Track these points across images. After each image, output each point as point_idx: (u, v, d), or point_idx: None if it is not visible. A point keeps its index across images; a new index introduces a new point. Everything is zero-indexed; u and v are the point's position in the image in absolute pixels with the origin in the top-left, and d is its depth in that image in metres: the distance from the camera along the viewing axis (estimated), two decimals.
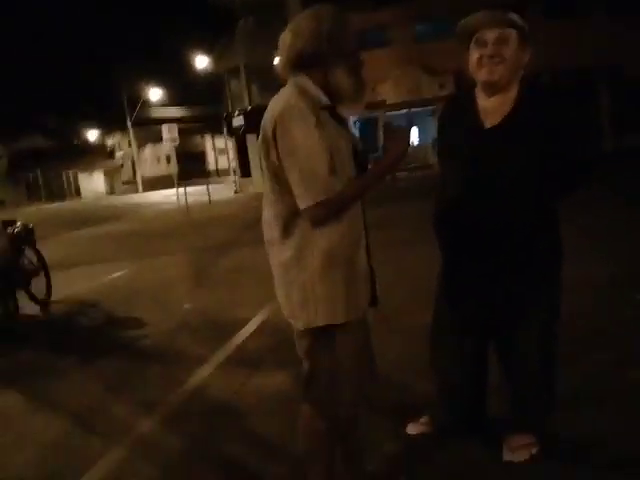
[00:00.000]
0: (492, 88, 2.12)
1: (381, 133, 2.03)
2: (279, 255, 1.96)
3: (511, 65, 2.07)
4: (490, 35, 2.06)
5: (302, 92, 1.88)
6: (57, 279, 7.05)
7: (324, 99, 1.91)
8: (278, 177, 1.89)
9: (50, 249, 10.38)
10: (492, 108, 2.14)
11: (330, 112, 1.93)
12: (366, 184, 1.96)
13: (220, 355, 4.22)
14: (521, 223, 2.12)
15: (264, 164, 1.93)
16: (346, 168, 1.93)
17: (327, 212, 1.85)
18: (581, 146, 2.14)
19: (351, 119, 25.34)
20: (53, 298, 6.61)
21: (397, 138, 1.96)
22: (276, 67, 2.01)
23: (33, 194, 37.44)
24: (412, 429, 2.67)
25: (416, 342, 3.62)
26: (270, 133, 1.85)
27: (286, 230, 1.92)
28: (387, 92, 24.06)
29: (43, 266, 6.67)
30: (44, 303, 6.48)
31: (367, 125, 26.03)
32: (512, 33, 2.06)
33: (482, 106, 2.18)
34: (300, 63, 1.92)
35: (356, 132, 25.92)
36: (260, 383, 3.63)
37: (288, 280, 1.95)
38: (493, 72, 2.07)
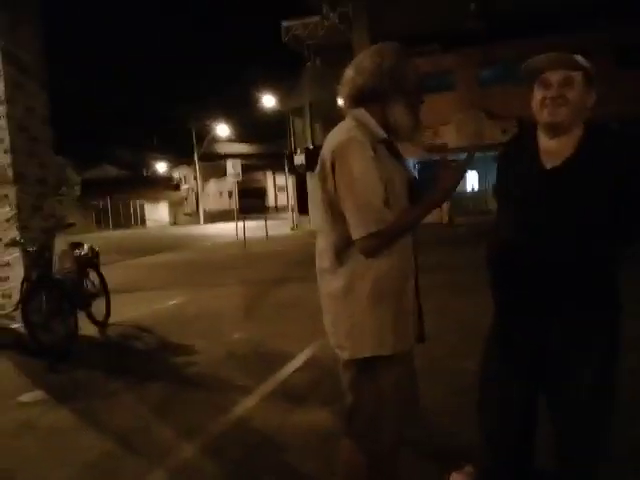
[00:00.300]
0: (554, 130, 2.09)
1: (416, 170, 2.04)
2: (329, 284, 1.99)
3: (574, 107, 2.03)
4: (555, 77, 2.04)
5: (361, 125, 1.93)
6: (116, 303, 7.29)
7: (382, 133, 1.96)
8: (333, 207, 1.92)
9: (112, 274, 10.77)
10: (554, 150, 2.10)
11: (387, 146, 1.97)
12: (416, 215, 1.97)
13: (265, 387, 4.23)
14: (578, 270, 2.05)
15: (320, 194, 1.97)
16: (400, 202, 1.96)
17: (379, 243, 1.87)
18: None
19: (411, 161, 25.44)
20: (111, 321, 6.83)
21: (450, 169, 1.98)
22: (338, 102, 2.07)
23: (101, 221, 39.17)
24: (456, 478, 2.58)
25: (463, 387, 3.55)
26: (329, 163, 1.90)
27: (338, 260, 1.94)
28: (449, 136, 24.05)
29: (104, 289, 6.92)
30: (102, 325, 6.70)
31: (427, 168, 26.04)
32: (577, 75, 2.03)
33: (543, 147, 2.14)
34: (360, 98, 1.98)
35: (415, 174, 25.94)
36: (302, 419, 3.61)
37: (337, 309, 1.97)
38: (556, 114, 2.04)
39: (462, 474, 2.58)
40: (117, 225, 39.05)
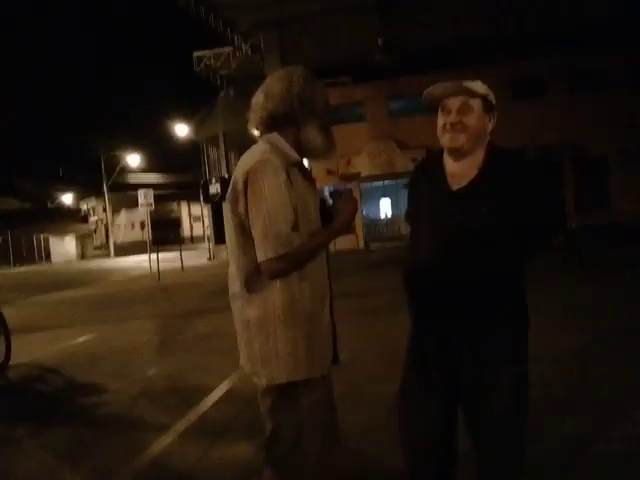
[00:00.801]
0: (456, 154, 2.18)
1: (328, 196, 2.14)
2: (242, 310, 1.96)
3: (474, 133, 2.13)
4: (453, 104, 2.14)
5: (274, 148, 1.94)
6: (19, 343, 6.82)
7: (296, 156, 1.97)
8: (244, 230, 1.91)
9: (15, 312, 10.11)
10: (459, 172, 2.19)
11: (300, 169, 1.99)
12: (321, 241, 2.01)
13: (183, 423, 4.06)
14: (487, 287, 2.12)
15: (231, 217, 1.95)
16: (312, 224, 1.97)
17: (285, 266, 1.87)
18: (547, 210, 2.17)
19: (326, 189, 25.88)
20: (12, 362, 6.35)
21: (346, 199, 2.08)
22: (248, 126, 2.07)
23: (1, 257, 36.66)
24: None
25: (384, 410, 3.58)
26: (241, 184, 1.88)
27: (249, 284, 1.92)
28: (362, 165, 24.74)
29: (4, 329, 6.43)
30: (2, 367, 6.21)
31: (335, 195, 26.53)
32: (475, 102, 2.13)
33: (449, 170, 2.22)
34: (272, 123, 1.99)
35: (329, 202, 26.40)
36: (223, 453, 3.49)
37: (250, 335, 1.94)
38: (455, 139, 2.13)
39: None
40: (19, 260, 36.67)
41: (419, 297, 2.27)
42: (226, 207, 1.97)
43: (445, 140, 2.17)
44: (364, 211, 25.94)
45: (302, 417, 1.93)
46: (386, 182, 24.52)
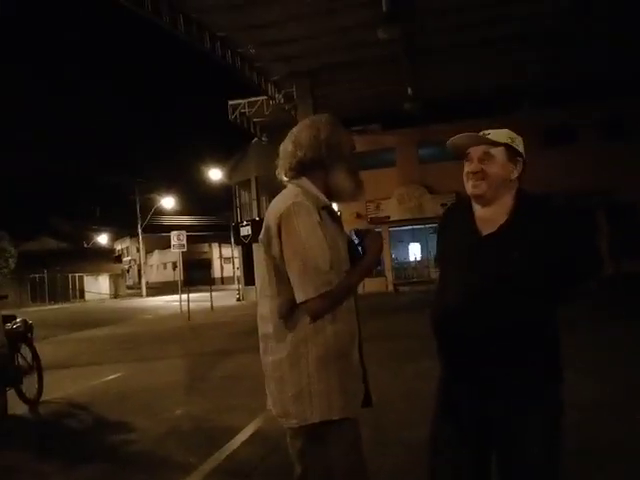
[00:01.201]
0: (479, 201, 2.21)
1: (354, 237, 2.19)
2: (274, 350, 1.97)
3: (495, 180, 2.16)
4: (475, 153, 2.19)
5: (305, 192, 2.01)
6: (51, 379, 6.93)
7: (324, 199, 2.05)
8: (278, 272, 1.95)
9: (47, 349, 10.29)
10: (488, 218, 2.20)
11: (329, 212, 2.05)
12: (356, 279, 2.09)
13: (209, 464, 4.05)
14: (517, 334, 2.09)
15: (264, 259, 2.00)
16: (342, 264, 2.02)
17: (327, 304, 1.91)
18: (578, 255, 2.13)
19: (353, 231, 25.94)
20: (44, 398, 6.45)
21: (372, 237, 2.18)
22: (278, 173, 2.15)
23: (37, 295, 37.40)
24: None
25: (414, 456, 3.51)
26: (274, 227, 1.94)
27: (283, 325, 1.94)
28: (391, 209, 24.84)
29: (37, 365, 6.56)
30: (34, 403, 6.31)
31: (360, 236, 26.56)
32: (497, 151, 2.17)
33: (478, 215, 2.24)
34: (301, 169, 2.07)
35: (356, 240, 26.42)
36: None
37: (282, 375, 1.94)
38: (477, 187, 2.17)
39: None
40: (54, 299, 37.41)
41: (448, 343, 2.24)
42: (258, 250, 2.04)
43: (468, 187, 2.21)
44: (393, 254, 25.88)
45: (333, 460, 1.92)
46: (415, 226, 24.51)
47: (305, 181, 2.06)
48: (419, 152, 24.51)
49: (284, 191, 2.08)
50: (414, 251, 26.61)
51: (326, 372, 1.91)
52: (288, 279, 1.92)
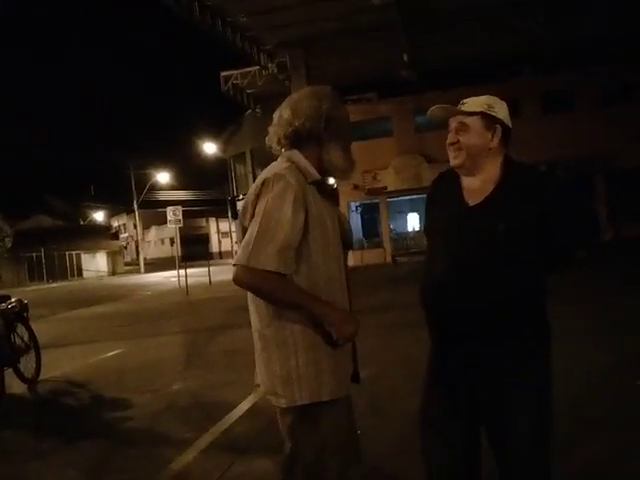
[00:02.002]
0: (460, 171, 2.19)
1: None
2: (259, 327, 1.92)
3: (472, 150, 2.12)
4: (452, 124, 2.17)
5: (293, 166, 1.91)
6: (49, 358, 6.93)
7: (315, 174, 1.94)
8: None
9: (45, 328, 10.30)
10: (475, 188, 2.16)
11: (319, 188, 1.95)
12: (297, 301, 1.84)
13: (206, 439, 4.05)
14: (505, 305, 2.06)
15: (240, 228, 1.95)
16: (330, 243, 1.93)
17: (250, 280, 1.81)
18: (566, 225, 2.11)
19: (353, 204, 25.85)
20: (42, 377, 6.45)
21: (350, 322, 1.89)
22: (268, 140, 2.05)
23: (35, 274, 37.40)
24: None
25: (410, 427, 3.49)
26: (253, 196, 1.87)
27: (263, 303, 1.89)
28: (388, 179, 24.69)
29: (34, 344, 6.54)
30: (32, 382, 6.31)
31: (368, 210, 26.53)
32: (472, 120, 2.13)
33: (465, 186, 2.20)
34: (296, 139, 1.97)
35: (357, 217, 26.37)
36: (244, 470, 3.46)
37: (270, 354, 1.89)
38: (455, 158, 2.16)
39: None
40: (52, 277, 37.44)
41: (436, 316, 2.23)
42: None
43: (450, 158, 2.20)
44: (391, 225, 25.85)
45: (323, 438, 1.88)
46: (413, 196, 24.40)
47: (296, 153, 1.95)
48: (416, 121, 24.22)
49: (273, 163, 1.99)
50: (412, 221, 26.59)
51: (315, 354, 1.85)
52: None
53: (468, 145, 2.12)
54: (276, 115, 2.02)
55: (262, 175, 1.92)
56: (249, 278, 1.80)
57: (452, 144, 2.15)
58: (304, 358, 1.85)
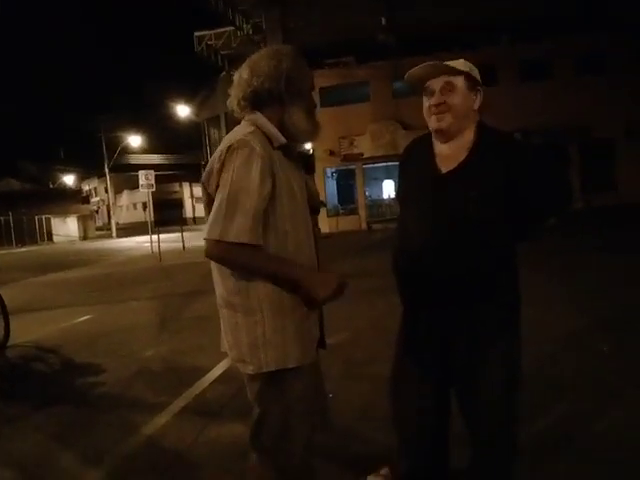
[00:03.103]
0: (443, 135, 2.14)
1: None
2: (224, 296, 1.90)
3: (459, 112, 2.08)
4: (436, 84, 2.10)
5: (257, 130, 1.85)
6: (18, 323, 6.82)
7: (281, 138, 1.88)
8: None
9: (14, 293, 10.12)
10: (448, 154, 2.14)
11: (284, 152, 1.90)
12: (271, 269, 1.82)
13: (178, 403, 4.04)
14: (475, 271, 2.07)
15: (205, 196, 1.90)
16: (298, 209, 1.90)
17: (222, 254, 1.79)
18: (536, 192, 2.10)
19: (328, 170, 25.72)
20: (11, 342, 6.35)
21: (328, 283, 1.86)
22: (229, 103, 1.97)
23: (2, 237, 36.64)
24: None
25: (382, 391, 3.54)
26: (217, 164, 1.81)
27: (226, 270, 1.86)
28: (365, 146, 24.57)
29: (2, 309, 6.41)
30: (0, 347, 6.21)
31: (344, 177, 26.44)
32: (458, 80, 2.09)
33: (438, 152, 2.18)
34: (256, 101, 1.89)
35: (333, 183, 26.27)
36: (217, 434, 3.47)
37: (236, 322, 1.87)
38: (441, 120, 2.10)
39: (379, 477, 2.55)
40: (21, 241, 36.71)
41: (408, 282, 2.24)
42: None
43: (431, 122, 2.14)
44: (367, 192, 25.83)
45: (290, 404, 1.88)
46: (389, 163, 24.36)
47: (260, 117, 1.88)
48: (393, 86, 24.00)
49: (236, 128, 1.92)
50: (388, 188, 26.61)
51: (281, 321, 1.84)
52: None
53: (456, 105, 2.08)
54: (236, 76, 1.95)
55: (225, 140, 1.85)
56: (223, 252, 1.77)
57: (437, 105, 2.09)
58: (271, 325, 1.83)
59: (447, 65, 2.09)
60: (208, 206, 1.85)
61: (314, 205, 2.05)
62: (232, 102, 1.95)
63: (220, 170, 1.79)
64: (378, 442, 3.01)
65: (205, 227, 1.78)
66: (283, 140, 1.88)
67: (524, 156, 2.12)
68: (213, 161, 1.84)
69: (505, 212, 2.06)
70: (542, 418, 3.20)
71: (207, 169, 1.87)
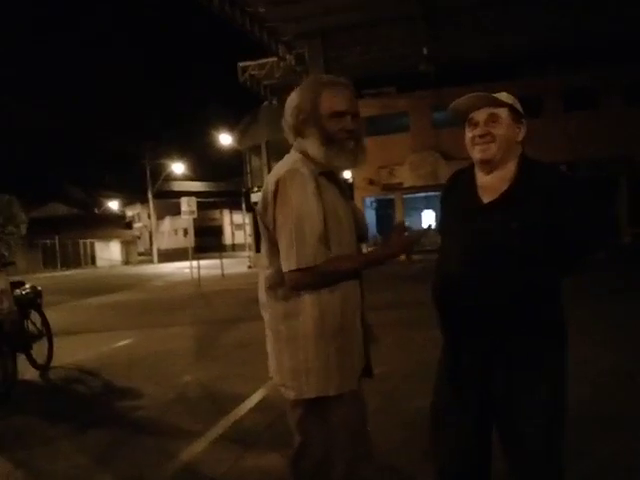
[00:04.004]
0: (487, 166, 2.14)
1: (395, 224, 2.07)
2: (271, 320, 1.92)
3: (503, 143, 2.09)
4: (480, 115, 2.11)
5: (304, 158, 1.90)
6: (61, 345, 6.96)
7: (320, 164, 1.92)
8: (271, 241, 1.89)
9: (58, 315, 10.37)
10: (490, 185, 2.14)
11: (328, 177, 1.93)
12: (354, 266, 1.94)
13: (215, 431, 4.03)
14: (516, 304, 2.03)
15: (261, 225, 1.94)
16: (343, 235, 1.91)
17: (309, 280, 1.82)
18: (582, 225, 2.05)
19: (368, 200, 25.74)
20: (54, 364, 6.48)
21: (403, 237, 2.01)
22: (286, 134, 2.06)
23: (48, 261, 37.77)
24: None
25: (420, 425, 3.46)
26: (271, 195, 1.85)
27: (274, 296, 1.89)
28: (404, 175, 24.54)
29: (47, 331, 6.57)
30: (44, 368, 6.34)
31: (383, 206, 26.42)
32: (502, 112, 2.10)
33: (480, 183, 2.18)
34: (295, 130, 1.98)
35: (372, 212, 26.25)
36: (252, 463, 3.43)
37: (280, 347, 1.89)
38: (485, 150, 2.10)
39: None
40: (66, 265, 37.79)
41: (448, 313, 2.20)
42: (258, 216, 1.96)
43: (475, 152, 2.14)
44: (406, 222, 25.62)
45: (331, 432, 1.86)
46: (429, 193, 24.24)
47: (304, 143, 1.95)
48: (434, 116, 24.01)
49: (285, 156, 1.98)
50: (428, 218, 26.45)
51: (324, 348, 1.84)
52: (278, 250, 1.85)
53: (500, 137, 2.08)
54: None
55: (275, 171, 1.90)
56: (307, 280, 1.82)
57: (482, 136, 2.10)
58: (313, 352, 1.83)
59: (492, 97, 2.10)
60: (263, 235, 1.94)
61: (361, 233, 2.05)
62: (285, 132, 2.05)
63: (274, 202, 1.84)
64: (416, 477, 2.92)
65: (283, 262, 1.83)
66: (324, 167, 1.91)
67: (567, 188, 2.09)
68: (266, 192, 1.89)
69: (547, 244, 2.02)
70: (591, 457, 3.07)
71: (261, 200, 1.92)
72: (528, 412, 2.06)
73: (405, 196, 25.32)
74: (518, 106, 2.14)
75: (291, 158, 1.93)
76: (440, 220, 2.40)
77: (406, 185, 24.53)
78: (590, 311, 7.19)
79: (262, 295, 1.95)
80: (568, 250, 2.06)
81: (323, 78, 2.00)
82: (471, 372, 2.15)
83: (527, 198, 2.04)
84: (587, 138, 21.19)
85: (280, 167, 1.90)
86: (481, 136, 2.10)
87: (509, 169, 2.11)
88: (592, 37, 19.98)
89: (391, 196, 25.35)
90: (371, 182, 23.82)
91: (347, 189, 2.13)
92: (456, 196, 2.29)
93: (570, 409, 2.15)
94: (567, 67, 21.93)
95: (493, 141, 2.08)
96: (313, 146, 1.92)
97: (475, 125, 2.13)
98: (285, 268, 1.81)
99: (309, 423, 1.88)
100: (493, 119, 2.09)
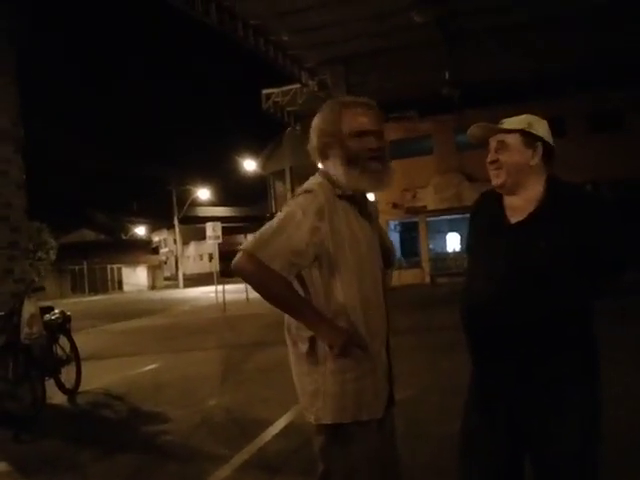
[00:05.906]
0: (502, 190, 2.17)
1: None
2: (294, 343, 1.92)
3: (512, 169, 2.10)
4: (492, 142, 2.15)
5: (326, 182, 1.90)
6: (88, 369, 7.03)
7: (343, 188, 1.91)
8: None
9: (86, 340, 10.49)
10: (517, 206, 2.14)
11: (351, 202, 1.91)
12: (304, 313, 1.83)
13: (240, 457, 4.01)
14: (546, 326, 1.98)
15: None
16: (365, 261, 1.89)
17: (250, 269, 1.77)
18: (611, 245, 2.04)
19: (392, 223, 25.67)
20: (82, 388, 6.54)
21: (341, 336, 1.80)
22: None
23: (77, 286, 38.38)
24: None
25: (447, 451, 3.39)
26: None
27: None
28: (428, 198, 24.44)
29: (75, 355, 6.65)
30: (72, 393, 6.41)
31: (407, 229, 26.32)
32: (511, 138, 2.11)
33: (508, 204, 2.18)
34: (320, 157, 1.99)
35: (396, 235, 26.15)
36: None
37: (301, 370, 1.89)
38: (495, 177, 2.14)
39: None
40: (93, 290, 38.33)
41: (476, 337, 2.16)
42: None
43: (491, 177, 2.18)
44: (430, 245, 25.53)
45: (355, 463, 1.83)
46: (454, 216, 24.06)
47: (328, 167, 1.96)
48: (457, 139, 23.97)
49: (310, 179, 2.00)
50: (452, 241, 26.22)
51: (342, 374, 1.82)
52: (301, 276, 1.85)
53: (507, 163, 2.10)
54: None
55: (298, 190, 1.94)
56: (251, 267, 1.77)
57: (492, 163, 2.14)
58: (331, 377, 1.82)
59: (494, 127, 2.13)
60: None
61: (387, 258, 2.03)
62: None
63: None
64: None
65: (245, 242, 1.84)
66: (347, 191, 1.90)
67: (595, 209, 2.08)
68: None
69: (576, 265, 2.00)
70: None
71: None
72: (560, 439, 2.00)
73: (429, 219, 25.18)
74: (534, 128, 2.11)
75: (312, 180, 1.93)
76: (468, 241, 2.39)
77: (430, 208, 24.41)
78: (623, 332, 7.01)
79: (287, 319, 1.95)
80: (597, 270, 2.04)
81: (345, 99, 2.01)
82: (500, 398, 2.10)
83: (555, 218, 2.02)
84: (612, 159, 20.91)
85: (302, 186, 1.93)
86: (490, 163, 2.14)
87: (535, 190, 2.10)
88: (617, 57, 19.85)
89: (415, 219, 25.24)
90: (395, 205, 23.75)
91: (375, 212, 2.11)
92: (484, 217, 2.29)
93: (603, 433, 2.08)
94: (590, 88, 21.76)
95: (500, 168, 2.11)
96: (335, 167, 1.91)
97: (488, 152, 2.17)
98: (243, 245, 1.80)
99: (332, 451, 1.85)
100: (501, 146, 2.12)
